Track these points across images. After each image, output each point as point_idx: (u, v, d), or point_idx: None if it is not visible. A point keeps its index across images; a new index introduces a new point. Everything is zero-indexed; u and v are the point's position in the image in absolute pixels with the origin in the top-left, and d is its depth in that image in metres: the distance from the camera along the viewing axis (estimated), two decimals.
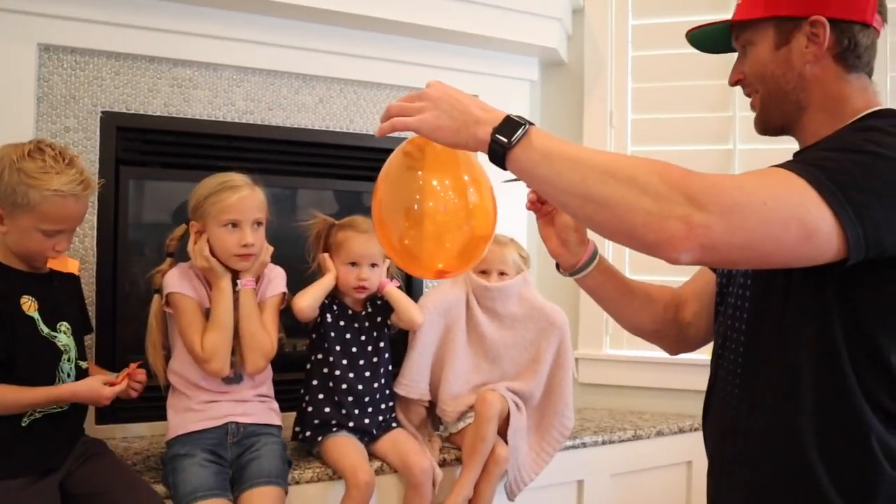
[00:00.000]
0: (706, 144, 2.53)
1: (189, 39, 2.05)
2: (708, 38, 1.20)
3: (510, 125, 0.94)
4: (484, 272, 2.05)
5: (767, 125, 1.14)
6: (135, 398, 1.66)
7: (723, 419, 1.12)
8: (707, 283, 1.27)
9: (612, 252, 2.61)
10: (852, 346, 0.95)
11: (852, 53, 1.04)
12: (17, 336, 1.50)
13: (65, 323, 1.60)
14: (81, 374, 1.62)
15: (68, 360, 1.58)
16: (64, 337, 1.58)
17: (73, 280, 1.73)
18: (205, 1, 2.02)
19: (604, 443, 2.23)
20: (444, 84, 1.01)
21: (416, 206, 1.05)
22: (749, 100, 1.15)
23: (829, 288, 0.94)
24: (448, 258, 1.09)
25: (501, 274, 2.06)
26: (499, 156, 0.94)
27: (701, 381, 1.23)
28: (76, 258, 1.82)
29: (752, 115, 1.16)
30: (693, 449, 2.38)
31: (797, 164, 0.90)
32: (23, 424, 1.50)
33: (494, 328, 2.07)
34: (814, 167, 0.88)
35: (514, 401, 2.00)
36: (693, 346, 1.31)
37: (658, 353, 1.37)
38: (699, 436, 2.29)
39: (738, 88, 1.17)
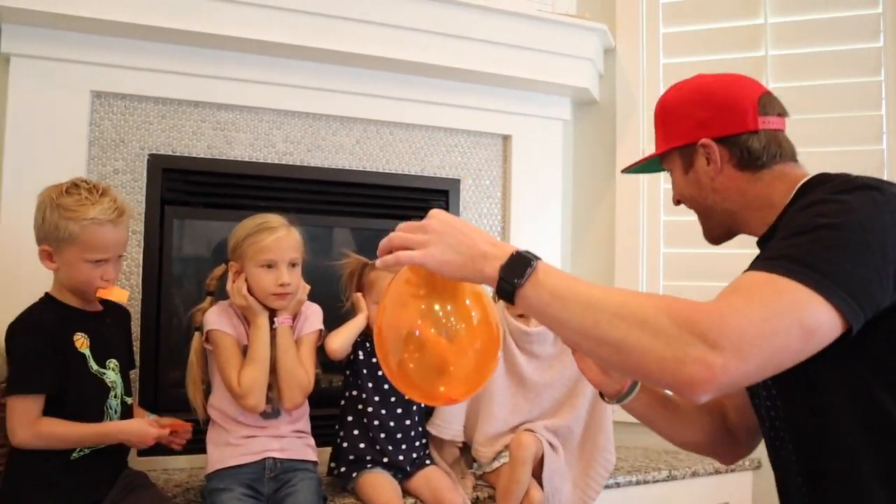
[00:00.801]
0: None
1: (231, 84, 2.13)
2: (644, 165, 1.37)
3: (518, 261, 0.94)
4: (522, 316, 2.07)
5: (711, 235, 1.26)
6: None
7: None
8: None
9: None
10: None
11: (749, 159, 1.16)
12: (69, 372, 1.56)
13: (113, 360, 1.66)
14: (126, 409, 1.68)
15: (115, 396, 1.64)
16: (112, 374, 1.64)
17: (123, 315, 1.79)
18: (246, 48, 2.10)
19: (638, 483, 2.22)
20: (447, 214, 1.02)
21: (416, 332, 1.02)
22: None
23: (851, 361, 0.95)
24: (451, 384, 1.05)
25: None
26: (508, 294, 0.94)
27: None
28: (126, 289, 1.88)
29: None
30: (728, 490, 2.35)
31: (768, 263, 0.92)
32: (72, 458, 1.56)
33: (534, 368, 2.09)
34: (782, 259, 0.91)
35: (551, 441, 2.00)
36: (746, 449, 1.31)
37: None
38: (735, 477, 2.27)
39: None
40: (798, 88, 2.48)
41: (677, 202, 1.29)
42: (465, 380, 1.05)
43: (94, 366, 1.60)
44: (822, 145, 2.43)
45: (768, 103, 1.19)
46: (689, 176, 1.22)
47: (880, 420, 0.96)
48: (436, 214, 1.02)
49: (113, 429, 1.59)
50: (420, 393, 1.09)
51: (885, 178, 2.27)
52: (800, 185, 1.11)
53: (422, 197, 2.43)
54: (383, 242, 1.03)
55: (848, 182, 1.02)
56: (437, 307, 1.03)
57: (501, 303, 2.13)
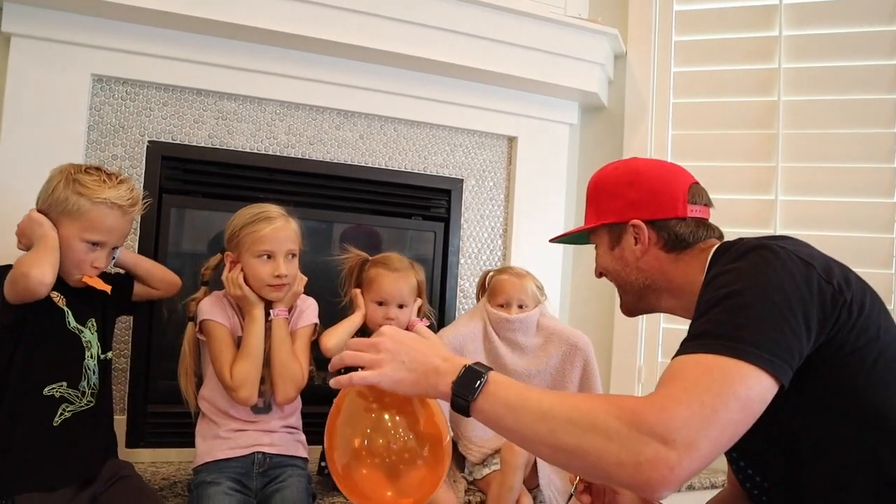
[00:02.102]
0: (747, 194, 2.49)
1: (235, 74, 2.11)
2: (572, 237, 1.44)
3: (469, 376, 0.97)
4: (503, 305, 2.05)
5: (627, 308, 1.33)
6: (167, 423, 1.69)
7: None
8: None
9: None
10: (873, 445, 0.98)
11: (675, 241, 1.23)
12: (45, 325, 1.54)
13: (92, 319, 1.64)
14: (104, 366, 1.66)
15: (91, 356, 1.62)
16: (88, 333, 1.62)
17: (110, 282, 1.76)
18: (252, 37, 2.07)
19: None
20: (398, 331, 1.07)
21: (366, 442, 1.06)
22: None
23: (801, 413, 0.99)
24: (399, 490, 1.07)
25: (521, 307, 2.06)
26: (462, 409, 0.97)
27: None
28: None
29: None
30: None
31: (690, 344, 0.96)
32: (55, 424, 1.54)
33: (517, 358, 2.07)
34: (700, 337, 0.95)
35: None
36: None
37: None
38: None
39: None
40: (810, 102, 2.45)
41: (599, 275, 1.36)
42: (415, 488, 1.07)
43: (72, 321, 1.58)
44: (832, 161, 2.41)
45: (696, 193, 1.26)
46: (614, 252, 1.28)
47: (852, 443, 0.98)
48: (388, 333, 1.06)
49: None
50: (370, 501, 1.09)
51: (895, 197, 2.29)
52: (709, 260, 1.16)
53: (424, 195, 2.40)
54: (334, 360, 1.08)
55: (740, 248, 1.06)
56: (386, 416, 1.07)
57: (484, 296, 2.11)
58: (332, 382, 1.05)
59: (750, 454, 1.11)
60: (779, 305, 0.93)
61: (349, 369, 1.06)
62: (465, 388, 0.96)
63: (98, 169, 1.61)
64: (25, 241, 1.54)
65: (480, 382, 0.96)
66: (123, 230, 1.64)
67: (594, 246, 1.35)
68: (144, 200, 1.69)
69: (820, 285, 0.96)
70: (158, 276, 1.80)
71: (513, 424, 0.94)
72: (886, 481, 0.96)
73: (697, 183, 1.29)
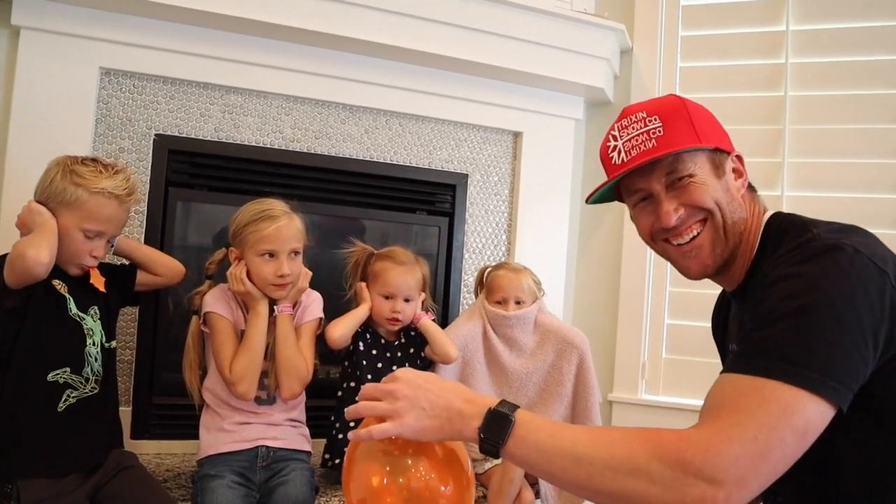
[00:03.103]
0: None
1: (241, 68, 2.11)
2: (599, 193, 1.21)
3: (496, 420, 0.92)
4: (500, 302, 2.05)
5: (721, 260, 1.11)
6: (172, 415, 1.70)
7: None
8: None
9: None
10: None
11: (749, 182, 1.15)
12: (47, 312, 1.56)
13: (95, 307, 1.65)
14: (108, 355, 1.67)
15: (93, 343, 1.63)
16: (90, 321, 1.63)
17: (113, 272, 1.76)
18: (257, 31, 2.08)
19: None
20: (415, 374, 1.00)
21: (385, 481, 1.00)
22: (693, 234, 1.12)
23: (843, 431, 0.92)
24: None
25: (518, 303, 2.06)
26: (492, 454, 0.93)
27: None
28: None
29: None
30: None
31: (746, 362, 0.90)
32: (59, 409, 1.55)
33: (514, 357, 2.07)
34: (759, 357, 0.88)
35: None
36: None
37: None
38: None
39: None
40: (817, 98, 2.44)
41: (677, 220, 1.10)
42: None
43: (73, 308, 1.60)
44: (839, 157, 2.40)
45: None
46: (720, 182, 1.10)
47: (872, 471, 0.95)
48: (403, 378, 0.99)
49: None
50: None
51: None
52: (762, 228, 1.09)
53: (429, 190, 2.40)
54: (349, 411, 1.01)
55: (808, 246, 0.96)
56: (408, 460, 1.01)
57: (483, 293, 2.11)
58: (351, 436, 1.00)
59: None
60: (851, 326, 0.87)
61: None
62: (494, 434, 0.91)
63: (94, 160, 1.62)
64: (25, 230, 1.55)
65: (509, 426, 0.91)
66: (121, 220, 1.65)
67: (679, 178, 1.09)
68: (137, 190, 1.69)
69: (893, 298, 0.90)
70: (160, 262, 1.81)
71: (547, 469, 0.90)
72: None
73: None
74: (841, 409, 0.87)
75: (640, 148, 1.10)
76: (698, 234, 1.11)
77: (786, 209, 2.37)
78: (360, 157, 2.30)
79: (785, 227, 1.05)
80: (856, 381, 0.87)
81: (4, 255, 1.53)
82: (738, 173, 1.12)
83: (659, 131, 1.08)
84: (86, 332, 1.62)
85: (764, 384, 0.86)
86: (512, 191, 2.53)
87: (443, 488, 1.01)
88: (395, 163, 2.34)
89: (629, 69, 2.68)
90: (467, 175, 2.46)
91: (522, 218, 2.51)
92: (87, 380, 1.61)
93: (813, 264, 0.92)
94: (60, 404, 1.56)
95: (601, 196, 1.22)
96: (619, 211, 2.67)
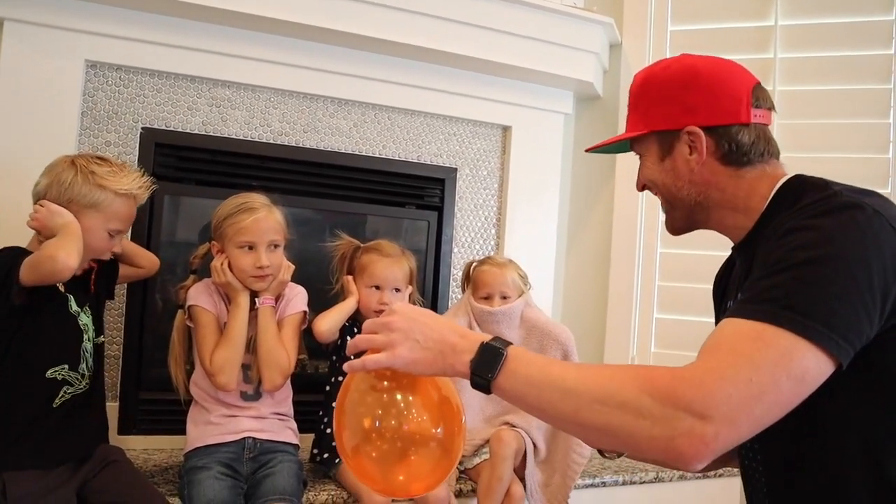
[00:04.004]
0: None
1: (229, 61, 2.10)
2: (610, 145, 1.25)
3: (488, 353, 0.92)
4: (486, 297, 2.05)
5: (675, 226, 1.19)
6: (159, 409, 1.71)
7: None
8: None
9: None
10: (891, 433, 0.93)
11: (736, 153, 1.09)
12: (48, 309, 1.55)
13: (88, 303, 1.66)
14: (98, 350, 1.67)
15: (88, 339, 1.63)
16: (85, 316, 1.63)
17: (104, 267, 1.76)
18: (246, 24, 2.07)
19: (625, 483, 2.19)
20: (410, 308, 1.00)
21: (377, 423, 1.00)
22: None
23: (838, 392, 0.91)
24: (410, 474, 1.02)
25: (504, 297, 2.05)
26: (482, 388, 0.93)
27: None
28: None
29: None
30: (715, 495, 2.32)
31: (750, 308, 0.89)
32: (55, 406, 1.55)
33: None
34: (765, 303, 0.87)
35: (532, 436, 1.98)
36: (720, 465, 1.24)
37: None
38: (722, 482, 2.24)
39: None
40: (805, 92, 2.45)
41: (642, 188, 1.21)
42: (429, 472, 1.03)
43: (73, 306, 1.60)
44: (827, 151, 2.40)
45: (761, 95, 1.11)
46: (664, 163, 1.13)
47: (870, 443, 0.93)
48: (399, 311, 1.00)
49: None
50: (381, 485, 1.04)
51: (889, 188, 2.28)
52: (777, 187, 1.07)
53: (418, 184, 2.40)
54: (349, 346, 1.01)
55: (827, 201, 0.95)
56: (398, 396, 1.01)
57: (469, 289, 2.10)
58: (346, 367, 1.01)
59: None
60: (858, 281, 0.86)
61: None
62: (485, 367, 0.91)
63: (102, 158, 1.63)
64: (46, 232, 1.54)
65: (500, 360, 0.91)
66: (134, 216, 1.68)
67: (637, 156, 1.19)
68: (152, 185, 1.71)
69: None
70: (139, 254, 1.83)
71: (536, 403, 0.90)
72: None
73: (760, 83, 1.14)
74: (840, 366, 0.86)
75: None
76: (661, 201, 1.19)
77: None
78: (349, 151, 2.29)
79: (804, 186, 1.04)
80: (859, 339, 0.86)
81: (4, 249, 1.53)
82: (694, 148, 1.10)
83: (627, 110, 1.19)
84: (82, 328, 1.62)
85: (765, 329, 0.85)
86: (501, 185, 2.53)
87: (434, 430, 1.01)
88: (383, 157, 2.34)
89: (618, 63, 2.68)
90: (456, 169, 2.45)
91: (512, 212, 2.51)
92: (82, 376, 1.61)
93: (830, 219, 0.91)
94: (56, 400, 1.56)
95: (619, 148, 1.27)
96: (608, 204, 2.67)
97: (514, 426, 1.99)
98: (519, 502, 1.89)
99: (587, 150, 1.33)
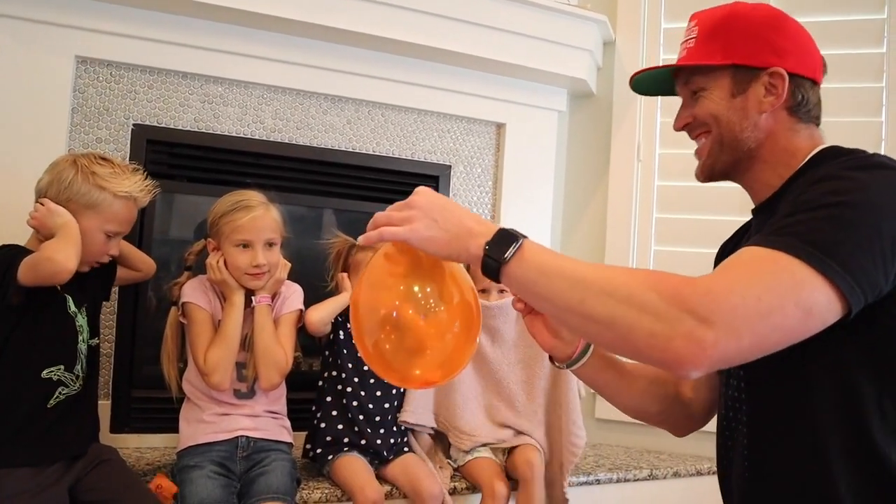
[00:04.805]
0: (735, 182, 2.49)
1: (221, 57, 2.08)
2: (651, 81, 1.22)
3: (504, 238, 0.92)
4: (482, 291, 2.04)
5: (714, 171, 1.14)
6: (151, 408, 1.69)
7: (742, 494, 1.08)
8: None
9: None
10: (877, 396, 0.92)
11: (804, 108, 1.09)
12: (47, 309, 1.55)
13: (85, 304, 1.64)
14: (92, 352, 1.66)
15: (83, 340, 1.62)
16: (81, 317, 1.62)
17: (101, 269, 1.74)
18: (238, 20, 2.05)
19: (619, 481, 2.19)
20: (433, 192, 0.99)
21: (394, 314, 0.99)
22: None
23: (835, 344, 0.91)
24: (427, 367, 1.02)
25: (501, 291, 2.04)
26: (493, 271, 0.92)
27: None
28: None
29: None
30: (710, 492, 2.32)
31: (771, 238, 0.88)
32: (49, 406, 1.54)
33: (496, 348, 2.06)
34: (787, 236, 0.87)
35: (536, 438, 2.02)
36: (700, 423, 1.26)
37: None
38: (716, 480, 2.24)
39: None
40: None
41: (684, 126, 1.16)
42: (442, 363, 1.02)
43: (71, 307, 1.59)
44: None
45: (825, 68, 1.13)
46: (735, 100, 1.09)
47: (854, 402, 0.92)
48: (422, 191, 0.99)
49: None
50: (396, 376, 1.04)
51: None
52: (813, 153, 1.07)
53: (411, 181, 2.38)
54: (368, 225, 1.00)
55: (864, 159, 0.97)
56: (416, 288, 1.00)
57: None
58: (361, 239, 1.00)
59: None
60: (882, 234, 0.86)
61: None
62: (499, 251, 0.90)
63: (105, 159, 1.62)
64: (45, 231, 1.53)
65: (516, 244, 0.90)
66: (135, 218, 1.66)
67: (694, 91, 1.13)
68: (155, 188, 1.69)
69: None
70: (137, 257, 1.81)
71: (544, 291, 0.89)
72: (882, 432, 0.92)
73: None
74: (848, 313, 0.86)
75: (680, 53, 1.15)
76: (702, 141, 1.14)
77: None
78: (342, 148, 2.28)
79: (840, 152, 1.04)
80: (871, 290, 0.86)
81: (4, 247, 1.52)
82: (772, 90, 1.07)
83: (692, 42, 1.13)
84: (78, 328, 1.61)
85: (782, 257, 0.84)
86: (495, 182, 2.53)
87: (452, 323, 1.00)
88: (377, 154, 2.33)
89: (612, 60, 2.68)
90: (450, 166, 2.45)
91: (506, 209, 2.51)
92: (77, 377, 1.60)
93: (866, 173, 0.92)
94: (51, 401, 1.54)
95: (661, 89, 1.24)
96: (602, 205, 2.67)
97: (520, 432, 2.01)
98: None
99: (634, 75, 1.22)
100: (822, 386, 0.94)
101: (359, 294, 1.03)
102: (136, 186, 1.60)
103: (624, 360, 1.20)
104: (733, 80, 1.09)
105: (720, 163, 1.12)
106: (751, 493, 1.04)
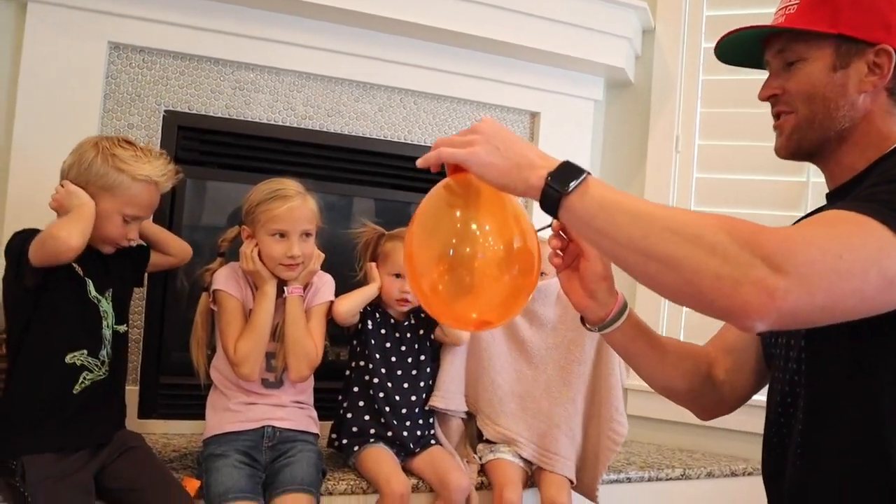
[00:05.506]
0: (777, 175, 2.41)
1: (253, 43, 2.07)
2: (737, 48, 1.12)
3: (568, 171, 0.87)
4: None
5: (800, 149, 1.06)
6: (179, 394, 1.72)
7: (793, 489, 1.02)
8: (739, 338, 1.18)
9: None
10: None
11: None
12: (66, 293, 1.54)
13: (111, 289, 1.64)
14: (119, 339, 1.65)
15: (107, 326, 1.61)
16: (105, 303, 1.62)
17: (126, 255, 1.74)
18: (270, 6, 2.03)
19: (650, 479, 2.13)
20: (498, 122, 0.96)
21: (451, 252, 0.95)
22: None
23: (888, 345, 0.85)
24: (483, 308, 0.99)
25: (541, 274, 1.99)
26: (553, 202, 0.87)
27: (758, 423, 1.12)
28: None
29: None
30: (744, 494, 2.26)
31: (856, 203, 0.83)
32: (74, 392, 1.54)
33: (534, 332, 2.01)
34: (875, 203, 0.82)
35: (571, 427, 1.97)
36: (729, 408, 1.21)
37: None
38: (752, 480, 2.17)
39: None
40: None
41: (771, 97, 1.07)
42: (499, 304, 0.98)
43: (92, 291, 1.58)
44: None
45: None
46: (835, 75, 1.00)
47: None
48: (487, 119, 0.95)
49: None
50: (452, 316, 1.02)
51: None
52: None
53: (443, 171, 2.35)
54: (429, 153, 0.97)
55: None
56: (474, 225, 0.97)
57: None
58: (420, 161, 0.97)
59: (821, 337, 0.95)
60: None
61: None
62: (562, 182, 0.86)
63: (129, 142, 1.61)
64: (62, 211, 1.53)
65: (580, 176, 0.86)
66: (156, 203, 1.65)
67: (790, 62, 1.05)
68: (178, 174, 1.68)
69: None
70: (172, 243, 1.80)
71: (604, 225, 0.84)
72: None
73: None
74: None
75: (777, 18, 1.07)
76: (786, 116, 1.06)
77: (811, 195, 2.33)
78: (374, 136, 2.25)
79: None
80: None
81: (23, 231, 1.52)
82: (875, 69, 1.00)
83: (793, 8, 1.04)
84: (102, 314, 1.60)
85: (869, 221, 0.79)
86: None
87: (511, 266, 0.97)
88: (409, 142, 2.30)
89: (651, 49, 2.60)
90: None
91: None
92: (102, 363, 1.59)
93: None
94: (77, 387, 1.55)
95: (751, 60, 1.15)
96: (638, 194, 2.58)
97: (551, 431, 1.95)
98: None
99: (723, 38, 1.12)
100: (881, 378, 0.89)
101: (414, 232, 0.99)
102: (156, 171, 1.58)
103: (658, 333, 1.16)
104: (836, 52, 1.01)
105: (807, 141, 1.04)
106: (804, 488, 0.99)
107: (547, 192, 0.87)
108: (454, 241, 0.95)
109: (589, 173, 0.88)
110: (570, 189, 0.86)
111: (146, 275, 1.83)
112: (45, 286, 1.51)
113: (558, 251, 1.07)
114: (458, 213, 0.98)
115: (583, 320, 1.14)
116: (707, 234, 0.78)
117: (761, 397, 1.16)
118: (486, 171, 0.91)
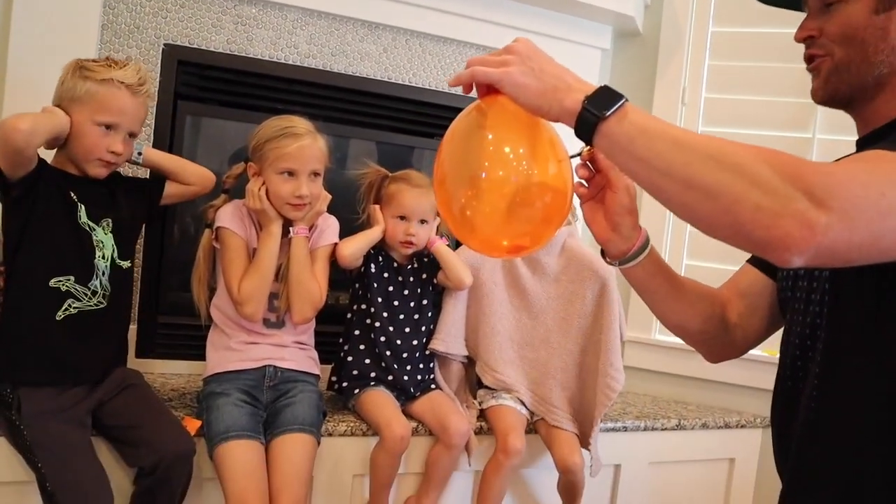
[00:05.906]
0: (783, 131, 2.38)
1: None
2: None
3: (606, 95, 0.84)
4: None
5: (836, 95, 1.01)
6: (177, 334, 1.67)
7: (805, 427, 1.01)
8: (753, 282, 1.17)
9: (673, 230, 2.52)
10: None
11: None
12: (55, 216, 1.52)
13: (108, 219, 1.59)
14: (119, 273, 1.61)
15: (102, 257, 1.57)
16: (101, 232, 1.58)
17: (139, 187, 1.71)
18: None
19: (645, 429, 2.15)
20: (533, 43, 0.92)
21: (483, 174, 0.92)
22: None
23: None
24: (514, 235, 0.96)
25: None
26: (589, 125, 0.83)
27: (751, 376, 1.11)
28: None
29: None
30: (737, 446, 2.29)
31: (893, 144, 0.80)
32: (58, 318, 1.51)
33: (536, 281, 1.99)
34: None
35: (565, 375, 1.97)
36: (738, 352, 1.20)
37: None
38: (745, 433, 2.19)
39: None
40: None
41: (806, 38, 1.03)
42: (531, 231, 0.96)
43: (83, 217, 1.55)
44: None
45: None
46: (877, 18, 0.96)
47: None
48: (523, 40, 0.92)
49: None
50: (482, 242, 0.98)
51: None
52: None
53: (447, 115, 2.30)
54: (463, 72, 0.93)
55: None
56: (507, 148, 0.93)
57: None
58: (451, 79, 0.94)
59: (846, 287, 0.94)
60: None
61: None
62: (600, 105, 0.83)
63: (107, 58, 1.57)
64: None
65: (619, 101, 0.83)
66: (136, 113, 1.57)
67: (828, 3, 1.00)
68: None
69: None
70: (190, 170, 1.74)
71: (643, 151, 0.81)
72: None
73: None
74: None
75: None
76: (819, 59, 1.02)
77: (816, 151, 2.31)
78: (378, 77, 2.20)
79: None
80: None
81: None
82: None
83: None
84: (95, 243, 1.57)
85: None
86: None
87: (544, 194, 0.93)
88: (413, 85, 2.25)
89: None
90: None
91: None
92: (93, 293, 1.56)
93: None
94: (59, 313, 1.52)
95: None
96: None
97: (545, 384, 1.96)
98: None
99: None
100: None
101: (445, 154, 0.96)
102: (123, 74, 1.53)
103: (674, 271, 1.14)
104: None
105: (845, 85, 1.00)
106: (816, 432, 0.98)
107: (583, 116, 0.84)
108: (486, 163, 0.92)
109: (627, 99, 0.85)
110: (608, 113, 0.82)
111: (165, 208, 1.78)
112: (34, 201, 1.48)
113: (584, 182, 1.04)
114: (490, 136, 0.94)
115: (603, 254, 1.12)
116: (749, 165, 0.76)
117: (759, 352, 1.15)
118: (520, 93, 0.88)
